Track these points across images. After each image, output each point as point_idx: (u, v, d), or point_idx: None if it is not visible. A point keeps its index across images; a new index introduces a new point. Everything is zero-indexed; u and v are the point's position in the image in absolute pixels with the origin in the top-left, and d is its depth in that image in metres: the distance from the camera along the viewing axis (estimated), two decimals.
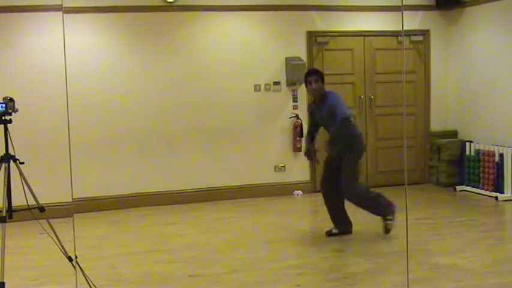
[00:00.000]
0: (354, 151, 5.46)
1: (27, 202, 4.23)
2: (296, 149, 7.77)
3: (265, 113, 7.74)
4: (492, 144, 7.38)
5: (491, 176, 7.31)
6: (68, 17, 6.79)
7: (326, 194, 5.69)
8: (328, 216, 5.73)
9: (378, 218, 5.60)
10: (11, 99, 4.22)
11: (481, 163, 7.49)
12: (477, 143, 7.66)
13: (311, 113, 5.78)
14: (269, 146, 7.78)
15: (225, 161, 7.59)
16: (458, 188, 7.70)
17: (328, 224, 5.71)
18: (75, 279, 3.87)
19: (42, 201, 4.38)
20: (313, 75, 5.54)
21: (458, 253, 4.94)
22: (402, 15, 7.31)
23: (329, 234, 5.61)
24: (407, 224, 5.26)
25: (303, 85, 7.74)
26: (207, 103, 7.50)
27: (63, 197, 6.47)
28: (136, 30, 7.25)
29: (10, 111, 4.19)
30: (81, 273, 3.97)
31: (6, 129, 4.17)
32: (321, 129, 5.80)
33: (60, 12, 6.37)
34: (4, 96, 4.24)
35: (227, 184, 7.61)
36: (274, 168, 7.81)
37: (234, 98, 7.58)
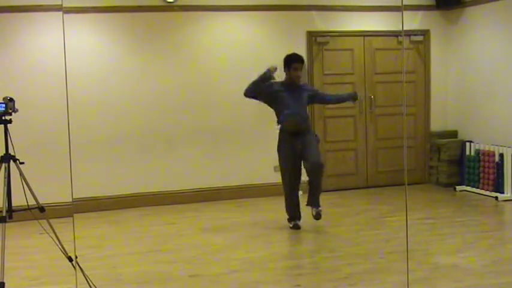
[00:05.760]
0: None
1: (27, 202, 4.24)
2: None
3: (265, 113, 7.70)
4: (492, 144, 7.38)
5: (491, 176, 7.31)
6: (68, 17, 6.78)
7: (294, 185, 5.90)
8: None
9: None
10: (11, 99, 4.23)
11: (481, 163, 7.49)
12: (477, 143, 7.66)
13: (271, 88, 5.90)
14: (269, 146, 7.72)
15: (224, 161, 7.59)
16: (458, 188, 7.70)
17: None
18: (75, 279, 3.87)
19: (42, 201, 4.39)
20: (300, 63, 5.73)
21: (458, 253, 4.94)
22: (402, 15, 7.29)
23: (296, 226, 5.84)
24: (408, 224, 5.29)
25: None
26: (207, 103, 7.50)
27: (63, 197, 6.47)
28: (137, 30, 7.25)
29: (10, 111, 4.20)
30: (81, 273, 3.97)
31: (6, 129, 4.17)
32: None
33: (60, 12, 6.37)
34: (4, 96, 4.25)
35: (227, 184, 7.61)
36: (274, 168, 7.77)
37: (234, 98, 7.56)
